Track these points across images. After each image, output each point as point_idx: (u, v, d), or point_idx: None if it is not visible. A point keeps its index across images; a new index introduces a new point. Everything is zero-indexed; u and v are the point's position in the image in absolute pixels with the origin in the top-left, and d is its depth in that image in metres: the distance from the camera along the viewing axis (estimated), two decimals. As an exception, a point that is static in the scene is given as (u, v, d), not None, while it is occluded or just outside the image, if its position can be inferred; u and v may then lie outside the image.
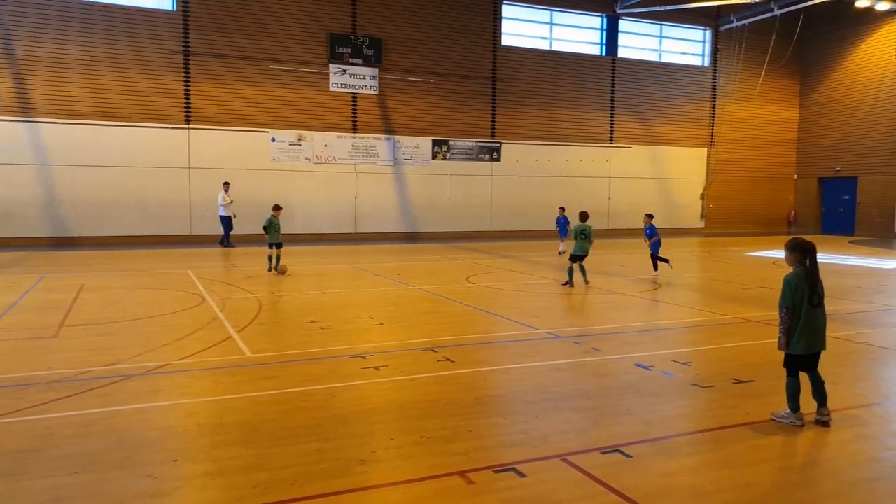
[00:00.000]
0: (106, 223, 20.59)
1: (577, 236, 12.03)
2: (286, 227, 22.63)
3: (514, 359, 6.91)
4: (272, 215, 13.96)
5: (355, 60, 23.17)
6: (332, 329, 8.17)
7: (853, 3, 26.14)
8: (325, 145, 23.19)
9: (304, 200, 23.02)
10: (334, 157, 23.37)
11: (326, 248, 20.15)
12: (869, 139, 28.75)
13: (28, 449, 4.30)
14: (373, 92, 23.69)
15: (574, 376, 6.22)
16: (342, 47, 22.97)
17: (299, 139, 22.84)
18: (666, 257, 13.88)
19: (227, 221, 20.06)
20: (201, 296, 10.52)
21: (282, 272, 13.32)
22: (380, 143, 24.00)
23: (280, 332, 8.02)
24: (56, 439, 4.48)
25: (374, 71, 23.53)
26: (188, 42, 21.18)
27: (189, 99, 21.40)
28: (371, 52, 23.31)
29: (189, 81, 21.34)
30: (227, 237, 20.11)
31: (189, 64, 21.27)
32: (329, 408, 5.19)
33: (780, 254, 18.93)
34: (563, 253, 17.32)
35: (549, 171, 26.77)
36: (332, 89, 23.12)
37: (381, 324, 8.56)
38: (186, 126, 21.41)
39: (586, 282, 12.08)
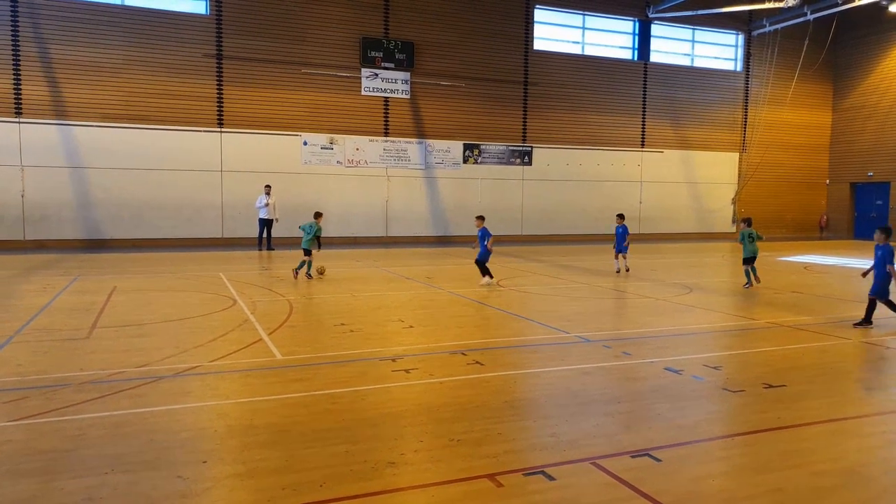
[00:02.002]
0: (138, 226, 21.04)
1: (745, 239, 12.87)
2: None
3: (544, 362, 6.89)
4: (315, 222, 13.73)
5: (387, 64, 23.34)
6: (362, 332, 8.24)
7: (888, 8, 25.59)
8: (357, 149, 23.40)
9: (335, 203, 23.24)
10: (366, 161, 23.58)
11: (358, 251, 20.32)
12: (902, 144, 28.14)
13: (60, 449, 4.37)
14: (404, 96, 23.84)
15: (604, 380, 6.18)
16: (374, 51, 23.18)
17: (331, 142, 23.10)
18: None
19: (264, 224, 20.30)
20: (233, 298, 10.70)
21: (320, 272, 13.47)
22: (411, 147, 24.14)
23: (310, 334, 8.11)
24: (88, 439, 4.55)
25: (405, 75, 23.69)
26: (221, 46, 21.58)
27: (222, 102, 21.78)
28: (403, 56, 23.48)
29: (222, 85, 21.72)
30: (268, 240, 20.31)
31: (222, 67, 21.66)
32: (358, 410, 5.24)
33: (812, 258, 18.62)
34: (621, 272, 14.82)
35: (580, 176, 26.64)
36: (363, 93, 23.34)
37: (411, 327, 8.61)
38: (219, 129, 21.79)
39: (755, 281, 12.73)
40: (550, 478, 3.97)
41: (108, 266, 15.38)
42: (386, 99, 23.68)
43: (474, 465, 4.15)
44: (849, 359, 7.11)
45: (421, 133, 24.28)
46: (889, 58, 28.68)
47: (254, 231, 20.76)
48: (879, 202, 29.46)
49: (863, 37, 29.36)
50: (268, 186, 20.43)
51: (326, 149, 23.07)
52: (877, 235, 9.02)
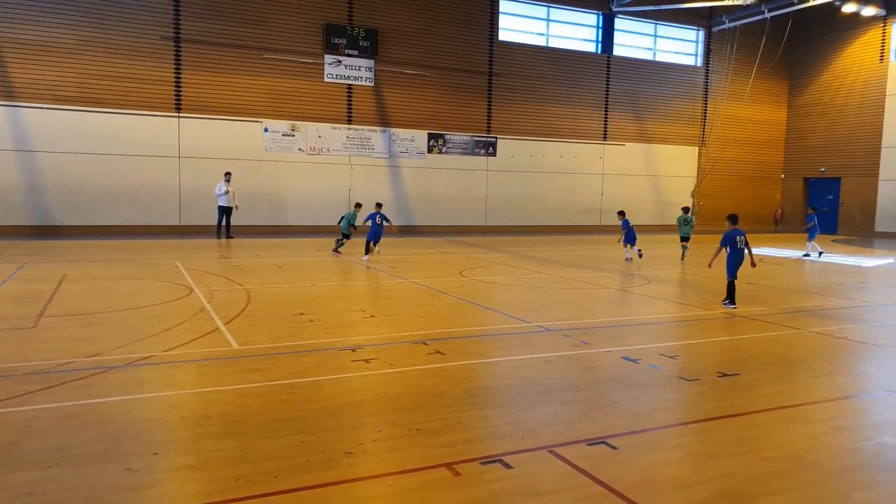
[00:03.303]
0: (92, 212, 20.41)
1: (681, 223, 16.51)
2: (278, 219, 22.79)
3: (504, 352, 6.92)
4: (354, 211, 16.67)
5: (351, 51, 23.07)
6: (322, 321, 8.14)
7: (840, 9, 26.33)
8: (320, 136, 23.10)
9: (297, 192, 22.93)
10: (328, 149, 23.30)
11: (320, 240, 20.09)
12: (852, 141, 29.15)
13: (2, 442, 4.21)
14: (368, 84, 23.60)
15: (563, 369, 6.23)
16: (338, 38, 22.87)
17: (293, 130, 22.75)
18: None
19: (223, 212, 19.89)
20: (189, 287, 10.46)
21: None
22: (375, 136, 23.93)
23: (269, 324, 7.98)
24: (33, 432, 4.39)
25: (370, 62, 23.45)
26: (179, 28, 20.99)
27: (180, 86, 21.23)
28: (367, 44, 23.22)
29: (180, 69, 21.16)
30: (227, 228, 19.92)
31: (180, 51, 21.09)
32: (316, 400, 5.17)
33: (767, 251, 19.13)
34: (631, 260, 15.91)
35: (543, 167, 26.82)
36: (326, 80, 23.02)
37: (372, 316, 8.54)
38: (177, 114, 21.25)
39: (684, 257, 15.85)
40: (508, 466, 3.98)
41: (59, 253, 14.89)
42: (349, 86, 23.41)
43: (432, 455, 4.14)
44: (799, 348, 7.31)
45: (385, 121, 24.10)
46: (841, 57, 29.55)
47: (213, 219, 20.35)
48: (830, 197, 30.45)
49: (817, 35, 30.17)
50: (228, 174, 20.02)
51: (288, 136, 22.71)
52: (728, 224, 10.02)
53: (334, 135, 23.32)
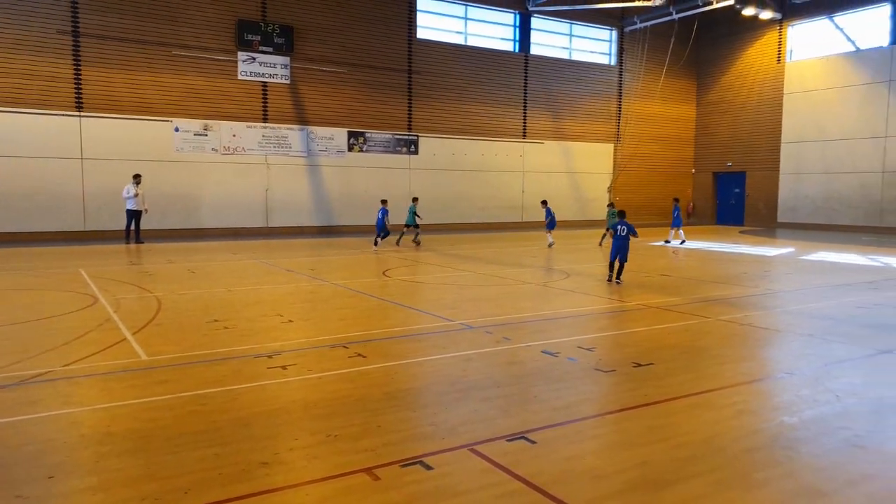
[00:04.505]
0: (-12, 219, 19.02)
1: (609, 215, 17.14)
2: (192, 222, 21.92)
3: (426, 351, 6.88)
4: (413, 204, 19.34)
5: (265, 48, 22.46)
6: (237, 328, 7.86)
7: (741, 12, 27.84)
8: (234, 135, 22.38)
9: (211, 193, 22.14)
10: (244, 148, 22.60)
11: (235, 243, 19.48)
12: (754, 137, 30.94)
13: None
14: (284, 81, 23.05)
15: (484, 366, 6.25)
16: (251, 34, 22.21)
17: (205, 129, 21.93)
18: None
19: (132, 216, 18.90)
20: (94, 296, 9.88)
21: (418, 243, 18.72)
22: (292, 134, 23.40)
23: (180, 332, 7.63)
24: (-89, 458, 4.01)
25: (285, 59, 22.90)
26: (77, 22, 19.82)
27: (80, 84, 20.04)
28: (282, 41, 22.67)
29: (79, 65, 19.97)
30: (136, 233, 18.94)
31: (79, 46, 19.91)
32: (230, 410, 4.97)
33: (678, 244, 20.01)
34: (553, 245, 18.59)
35: (466, 165, 27.00)
36: (240, 77, 22.33)
37: (290, 321, 8.31)
38: (77, 113, 20.06)
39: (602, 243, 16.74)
40: (428, 467, 3.94)
41: (-52, 264, 13.77)
42: (264, 84, 22.79)
43: (351, 460, 4.05)
44: (707, 336, 7.64)
45: (303, 120, 23.61)
46: (743, 58, 31.28)
47: (121, 223, 19.33)
48: (737, 190, 32.22)
49: (721, 37, 31.79)
50: (137, 176, 19.06)
51: (201, 135, 21.88)
52: (616, 217, 12.24)
53: (250, 134, 22.66)
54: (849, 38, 27.53)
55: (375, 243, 18.08)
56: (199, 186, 21.91)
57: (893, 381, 5.86)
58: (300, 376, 5.86)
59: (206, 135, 21.98)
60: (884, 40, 26.38)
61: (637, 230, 11.94)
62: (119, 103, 20.57)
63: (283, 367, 6.11)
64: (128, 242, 18.83)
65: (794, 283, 12.51)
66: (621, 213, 12.46)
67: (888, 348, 7.01)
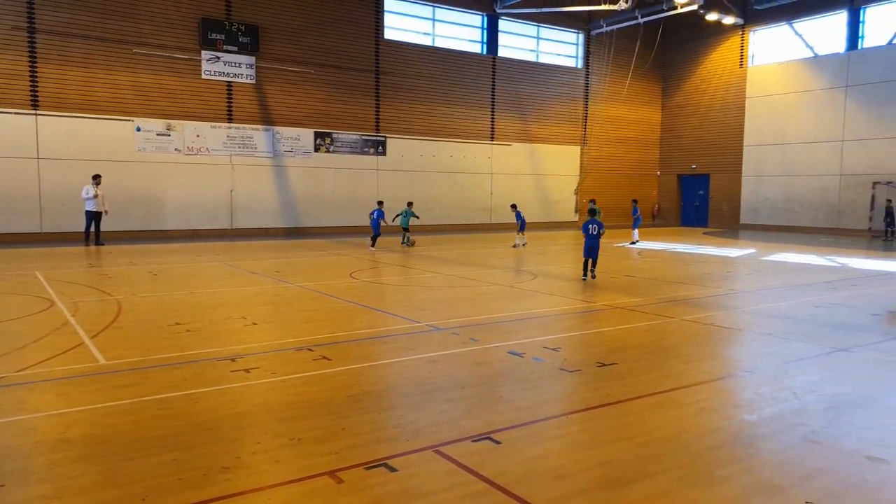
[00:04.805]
0: (-60, 220, 18.37)
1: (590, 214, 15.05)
2: (154, 223, 21.49)
3: (393, 353, 6.84)
4: (409, 209, 19.81)
5: (230, 48, 22.14)
6: (200, 331, 7.72)
7: (705, 17, 28.41)
8: (198, 136, 22.00)
9: (174, 194, 21.73)
10: (208, 149, 22.23)
11: (200, 244, 19.15)
12: (718, 140, 31.59)
13: None
14: (250, 81, 22.76)
15: (451, 367, 6.24)
16: (215, 33, 21.87)
17: (168, 129, 21.51)
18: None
19: (92, 217, 18.41)
20: (50, 299, 9.60)
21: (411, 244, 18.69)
22: (258, 134, 23.11)
23: (140, 336, 7.45)
24: None
25: (250, 59, 22.61)
26: (33, 18, 19.26)
27: (36, 81, 19.48)
28: (247, 40, 22.38)
29: (35, 62, 19.41)
30: (96, 234, 18.46)
31: (35, 42, 19.35)
32: (191, 414, 4.87)
33: (645, 245, 20.31)
34: (519, 245, 19.24)
35: (433, 167, 26.99)
36: (204, 77, 21.97)
37: (254, 324, 8.19)
38: (33, 111, 19.50)
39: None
40: (392, 469, 3.92)
41: None
42: (229, 83, 22.47)
43: (315, 464, 4.00)
44: (671, 335, 7.75)
45: (268, 120, 23.34)
46: (706, 62, 31.89)
47: (80, 225, 18.82)
48: (701, 192, 32.84)
49: (685, 41, 32.38)
50: (96, 176, 18.59)
51: (163, 135, 21.46)
52: (587, 216, 12.79)
53: (214, 134, 22.30)
54: (808, 45, 28.30)
55: (373, 243, 18.14)
56: (162, 187, 21.49)
57: (849, 378, 6.02)
58: (264, 379, 5.78)
59: (169, 135, 21.56)
60: (840, 47, 27.18)
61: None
62: (77, 102, 20.06)
63: (247, 371, 6.02)
64: (87, 244, 18.35)
65: (756, 283, 12.78)
66: (591, 212, 12.91)
67: (844, 346, 7.20)
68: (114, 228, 19.75)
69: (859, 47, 26.65)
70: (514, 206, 20.10)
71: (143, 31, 20.86)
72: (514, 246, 19.10)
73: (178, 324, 8.06)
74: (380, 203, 18.93)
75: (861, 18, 26.65)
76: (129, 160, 20.89)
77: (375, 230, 18.12)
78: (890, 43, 25.68)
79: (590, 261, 12.27)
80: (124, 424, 4.64)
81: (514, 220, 19.86)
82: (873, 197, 25.57)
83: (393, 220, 19.32)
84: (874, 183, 25.61)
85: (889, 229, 24.43)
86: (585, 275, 12.31)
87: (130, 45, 20.66)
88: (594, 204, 18.49)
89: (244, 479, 3.82)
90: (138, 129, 21.04)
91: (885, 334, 7.91)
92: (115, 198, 19.59)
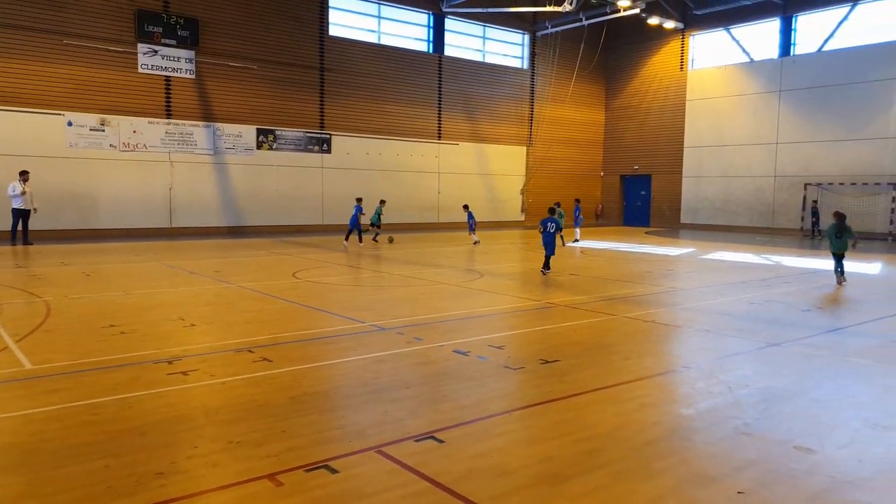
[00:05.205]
0: None
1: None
2: (88, 222, 20.65)
3: (336, 354, 6.75)
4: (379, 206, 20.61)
5: (168, 41, 21.47)
6: (135, 333, 7.44)
7: (646, 21, 29.15)
8: (134, 131, 21.25)
9: (109, 192, 20.94)
10: (145, 145, 21.51)
11: (137, 244, 18.50)
12: (659, 142, 32.48)
13: None
14: (189, 75, 22.13)
15: (396, 367, 6.20)
16: (153, 26, 21.18)
17: (102, 124, 20.70)
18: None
19: (19, 215, 17.54)
20: (-26, 301, 9.12)
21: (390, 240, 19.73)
22: (198, 131, 22.49)
23: (71, 338, 7.14)
24: None
25: (190, 53, 21.98)
26: (-48, 6, 18.28)
27: (-44, 73, 18.48)
28: (186, 34, 21.75)
29: (-44, 53, 18.42)
30: (24, 233, 17.59)
31: (-43, 32, 18.36)
32: (124, 420, 4.69)
33: (588, 244, 20.66)
34: (478, 243, 19.88)
35: (380, 165, 26.82)
36: (141, 71, 21.25)
37: (192, 325, 7.96)
38: (-43, 105, 18.49)
39: (563, 243, 14.56)
40: (334, 471, 3.86)
41: None
42: (167, 78, 21.80)
43: (253, 467, 3.91)
44: (613, 333, 7.91)
45: (209, 116, 22.75)
46: (649, 64, 32.73)
47: (6, 223, 17.91)
48: (643, 192, 33.69)
49: (628, 44, 33.15)
50: (24, 172, 17.74)
51: (97, 130, 20.64)
52: (548, 215, 13.62)
53: (151, 130, 21.59)
54: (744, 50, 29.38)
55: (360, 239, 19.16)
56: (97, 185, 20.67)
57: (780, 372, 6.26)
58: (202, 382, 5.62)
59: (104, 130, 20.75)
60: (774, 52, 28.32)
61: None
62: (2, 94, 19.09)
63: (185, 373, 5.84)
64: (14, 244, 17.49)
65: (695, 281, 13.17)
66: (551, 210, 14.21)
67: (776, 341, 7.49)
68: (45, 227, 18.90)
69: (792, 53, 27.82)
70: (466, 207, 20.62)
71: (74, 20, 20.01)
72: (476, 243, 19.76)
73: (112, 326, 7.75)
74: (358, 200, 19.37)
75: (793, 26, 27.83)
76: (59, 156, 20.01)
77: (351, 225, 18.63)
78: (820, 50, 26.90)
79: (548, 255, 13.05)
80: (52, 431, 4.44)
81: (465, 220, 20.32)
82: (805, 198, 26.75)
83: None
84: (806, 184, 26.80)
85: (815, 228, 25.59)
86: (545, 268, 12.97)
87: (60, 36, 19.78)
88: (559, 206, 19.79)
89: (180, 484, 3.70)
90: (70, 124, 20.17)
91: (814, 329, 8.28)
92: (45, 195, 18.74)
